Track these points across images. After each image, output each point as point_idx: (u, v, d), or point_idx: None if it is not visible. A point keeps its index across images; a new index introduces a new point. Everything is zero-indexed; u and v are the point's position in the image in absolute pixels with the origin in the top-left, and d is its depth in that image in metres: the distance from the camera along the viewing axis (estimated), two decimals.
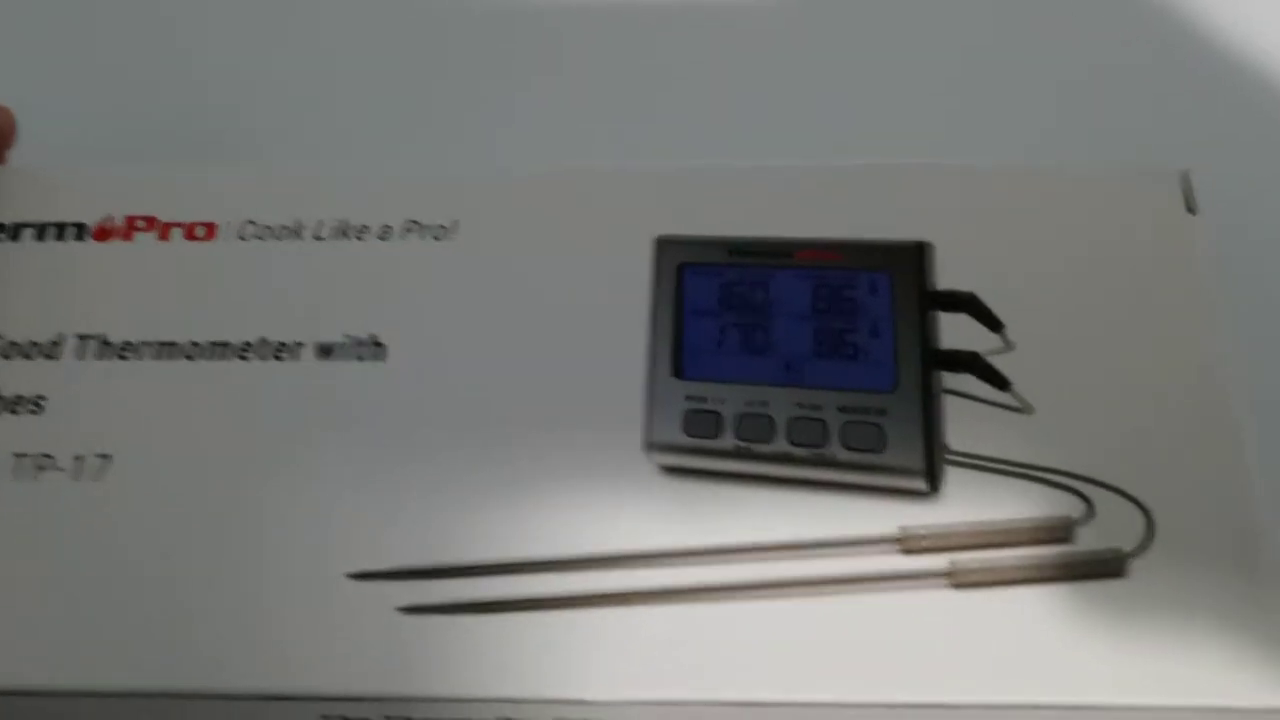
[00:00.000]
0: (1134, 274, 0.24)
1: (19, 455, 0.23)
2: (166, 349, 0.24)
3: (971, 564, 0.21)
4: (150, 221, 0.25)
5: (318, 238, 0.25)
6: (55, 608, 0.21)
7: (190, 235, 0.25)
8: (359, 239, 0.25)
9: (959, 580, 0.21)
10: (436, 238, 0.25)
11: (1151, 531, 0.22)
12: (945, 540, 0.22)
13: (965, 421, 0.23)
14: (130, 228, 0.25)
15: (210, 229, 0.25)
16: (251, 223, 0.25)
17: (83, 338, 0.24)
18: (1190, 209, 0.25)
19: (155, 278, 0.25)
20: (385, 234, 0.25)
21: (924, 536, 0.22)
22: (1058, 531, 0.22)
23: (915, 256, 0.24)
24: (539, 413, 0.23)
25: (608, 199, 0.25)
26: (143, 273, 0.25)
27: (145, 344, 0.24)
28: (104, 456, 0.23)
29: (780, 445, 0.23)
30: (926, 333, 0.24)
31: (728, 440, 0.23)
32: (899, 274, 0.24)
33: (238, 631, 0.21)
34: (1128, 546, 0.22)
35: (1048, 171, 0.25)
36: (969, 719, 0.21)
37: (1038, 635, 0.21)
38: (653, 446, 0.23)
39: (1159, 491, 0.22)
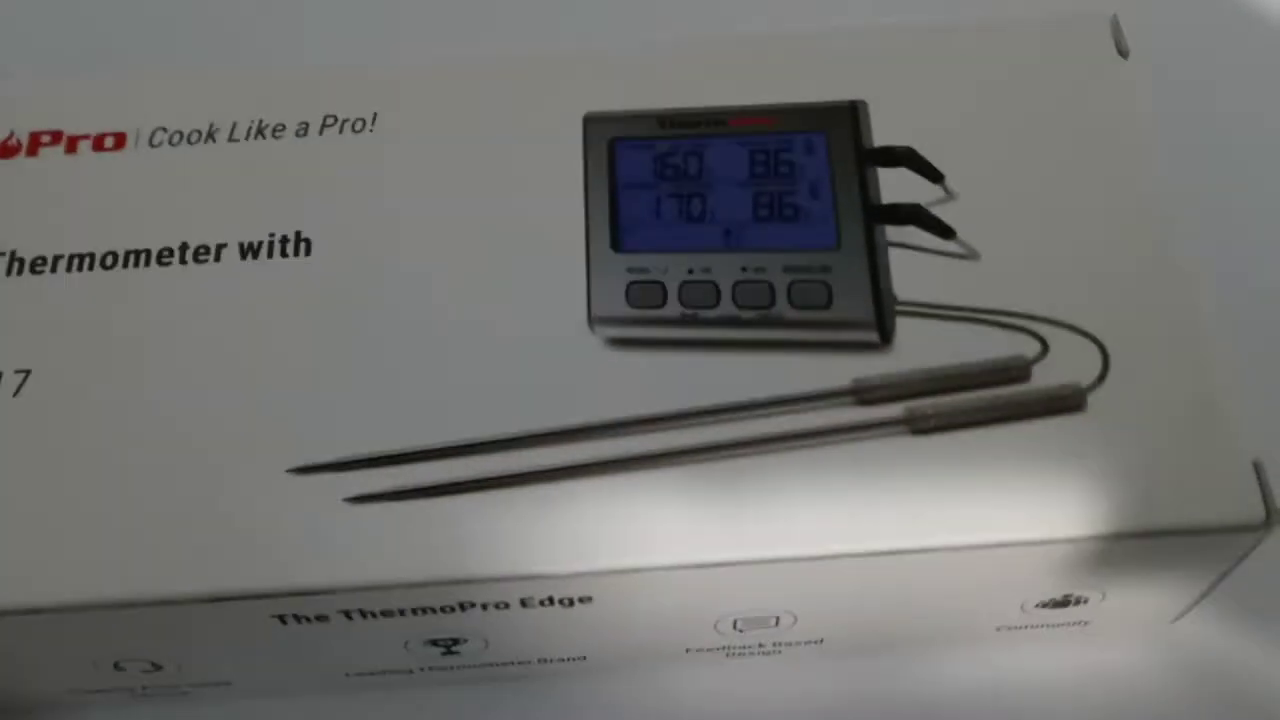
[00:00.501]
0: (1070, 118, 0.24)
1: None
2: (80, 260, 0.23)
3: (928, 409, 0.21)
4: (56, 136, 0.24)
5: (233, 140, 0.24)
6: None
7: (99, 146, 0.24)
8: (276, 138, 0.24)
9: (917, 426, 0.21)
10: (356, 130, 0.24)
11: (1107, 364, 0.21)
12: (900, 388, 0.21)
13: (912, 273, 0.22)
14: (35, 144, 0.24)
15: (120, 139, 0.24)
16: (163, 129, 0.24)
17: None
18: (1121, 53, 0.24)
19: (65, 193, 0.24)
20: (303, 131, 0.24)
21: (878, 386, 0.21)
22: (1014, 372, 0.21)
23: (849, 115, 0.24)
24: (476, 297, 0.22)
25: (531, 82, 0.24)
26: (52, 189, 0.24)
27: (59, 257, 0.23)
28: (22, 372, 0.22)
29: (726, 309, 0.22)
30: (866, 189, 0.23)
31: (673, 308, 0.22)
32: (834, 133, 0.24)
33: (181, 536, 0.20)
34: (1084, 382, 0.21)
35: (978, 25, 0.25)
36: (937, 563, 0.20)
37: (1000, 475, 0.20)
38: (596, 320, 0.22)
39: (1111, 325, 0.22)
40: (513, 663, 0.24)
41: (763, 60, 0.24)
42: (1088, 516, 0.20)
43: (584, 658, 0.24)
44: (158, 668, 0.22)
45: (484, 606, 0.21)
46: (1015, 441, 0.21)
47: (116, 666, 0.22)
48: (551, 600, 0.21)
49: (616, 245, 0.23)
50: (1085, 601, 0.22)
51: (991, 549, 0.20)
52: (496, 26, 0.32)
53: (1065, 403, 0.21)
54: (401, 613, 0.21)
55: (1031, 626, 0.24)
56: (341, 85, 0.24)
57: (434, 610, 0.21)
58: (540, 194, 0.23)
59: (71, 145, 0.24)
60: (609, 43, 0.25)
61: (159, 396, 0.21)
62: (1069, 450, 0.21)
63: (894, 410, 0.21)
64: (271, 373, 0.22)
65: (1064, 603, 0.23)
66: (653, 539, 0.20)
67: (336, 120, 0.24)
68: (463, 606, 0.21)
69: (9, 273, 0.23)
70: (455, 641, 0.22)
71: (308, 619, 0.21)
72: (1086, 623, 0.24)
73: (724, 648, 0.24)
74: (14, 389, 0.22)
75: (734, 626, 0.23)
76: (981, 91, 0.24)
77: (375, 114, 0.24)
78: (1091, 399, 0.21)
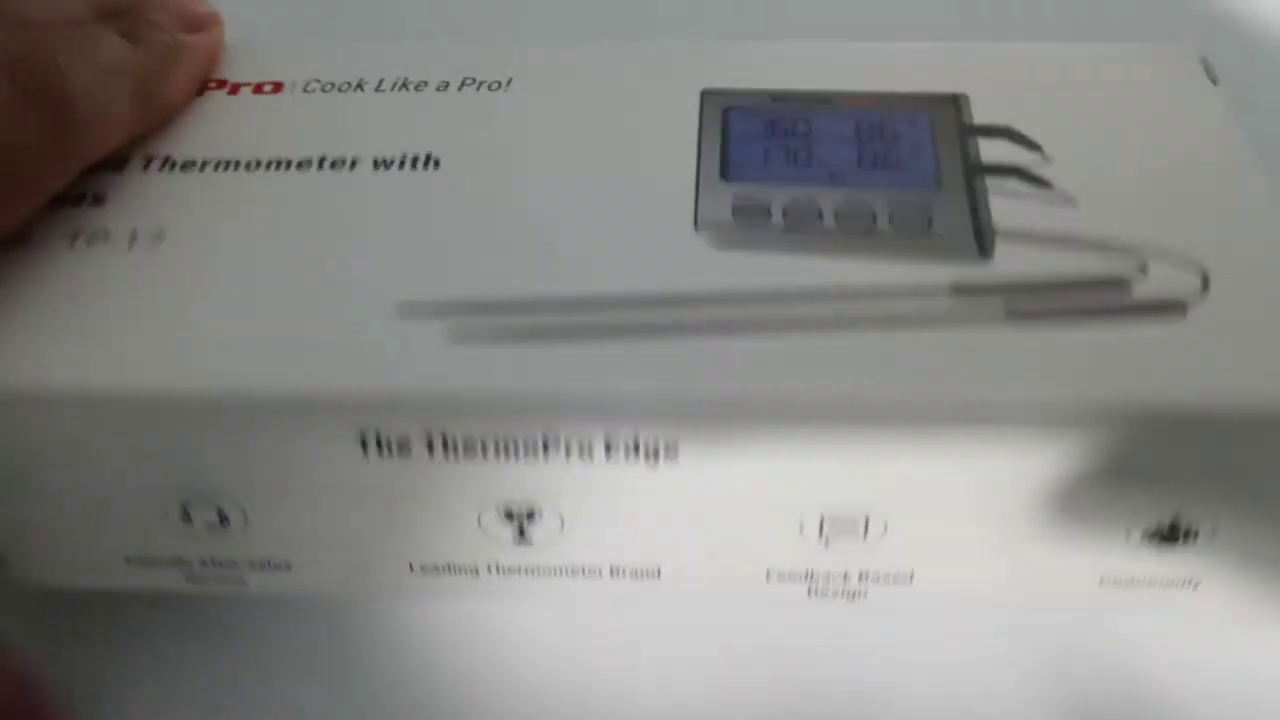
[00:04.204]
0: (1166, 123, 0.25)
1: (76, 235, 0.23)
2: (225, 163, 0.24)
3: (1026, 296, 0.21)
4: (220, 83, 0.27)
5: (379, 90, 0.26)
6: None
7: (258, 90, 0.26)
8: (417, 91, 0.26)
9: (1014, 310, 0.21)
10: (491, 89, 0.26)
11: (1206, 283, 0.21)
12: (999, 285, 0.22)
13: (1010, 213, 0.23)
14: (202, 88, 0.27)
15: (278, 86, 0.27)
16: (316, 80, 0.27)
17: (148, 158, 0.25)
18: (1212, 80, 0.26)
19: (221, 119, 0.26)
20: (443, 87, 0.26)
21: (979, 284, 0.22)
22: (1114, 283, 0.22)
23: (952, 102, 0.25)
24: (589, 208, 0.23)
25: (655, 66, 0.26)
26: (210, 116, 0.26)
27: (206, 160, 0.25)
28: (158, 235, 0.23)
29: (829, 226, 0.23)
30: (966, 149, 0.24)
31: (776, 222, 0.23)
32: (937, 113, 0.25)
33: (281, 350, 0.21)
34: (1185, 297, 0.21)
35: (1072, 48, 0.27)
36: (1032, 441, 0.20)
37: (1097, 367, 0.20)
38: (702, 225, 0.23)
39: (1211, 254, 0.22)
40: (583, 570, 0.23)
41: (862, 71, 0.26)
42: (1181, 392, 0.20)
43: (658, 571, 0.23)
44: (224, 521, 0.22)
45: (567, 450, 0.20)
46: (1113, 341, 0.21)
47: (185, 516, 0.22)
48: (636, 448, 0.20)
49: (725, 174, 0.24)
50: (1195, 536, 0.21)
51: (1082, 423, 0.20)
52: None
53: (1165, 311, 0.21)
54: (484, 450, 0.21)
55: (1137, 584, 0.22)
56: (483, 56, 0.27)
57: (516, 450, 0.20)
58: (656, 155, 0.24)
59: (234, 89, 0.27)
60: (726, 42, 0.27)
61: (284, 245, 0.22)
62: (1169, 349, 0.20)
63: (993, 302, 0.21)
64: (390, 245, 0.22)
65: (1172, 536, 0.21)
66: (745, 395, 0.20)
67: (474, 81, 0.26)
68: (546, 447, 0.20)
69: (162, 169, 0.24)
70: (530, 517, 0.22)
71: (389, 446, 0.20)
72: (1196, 584, 0.22)
73: (807, 575, 0.22)
74: (149, 244, 0.23)
75: (820, 532, 0.22)
76: (1077, 105, 0.25)
77: (510, 79, 0.26)
78: (1192, 312, 0.21)
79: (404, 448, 0.21)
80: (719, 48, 0.27)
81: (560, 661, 0.24)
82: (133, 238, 0.23)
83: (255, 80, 0.27)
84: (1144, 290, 0.21)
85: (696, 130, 0.25)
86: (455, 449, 0.21)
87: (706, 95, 0.26)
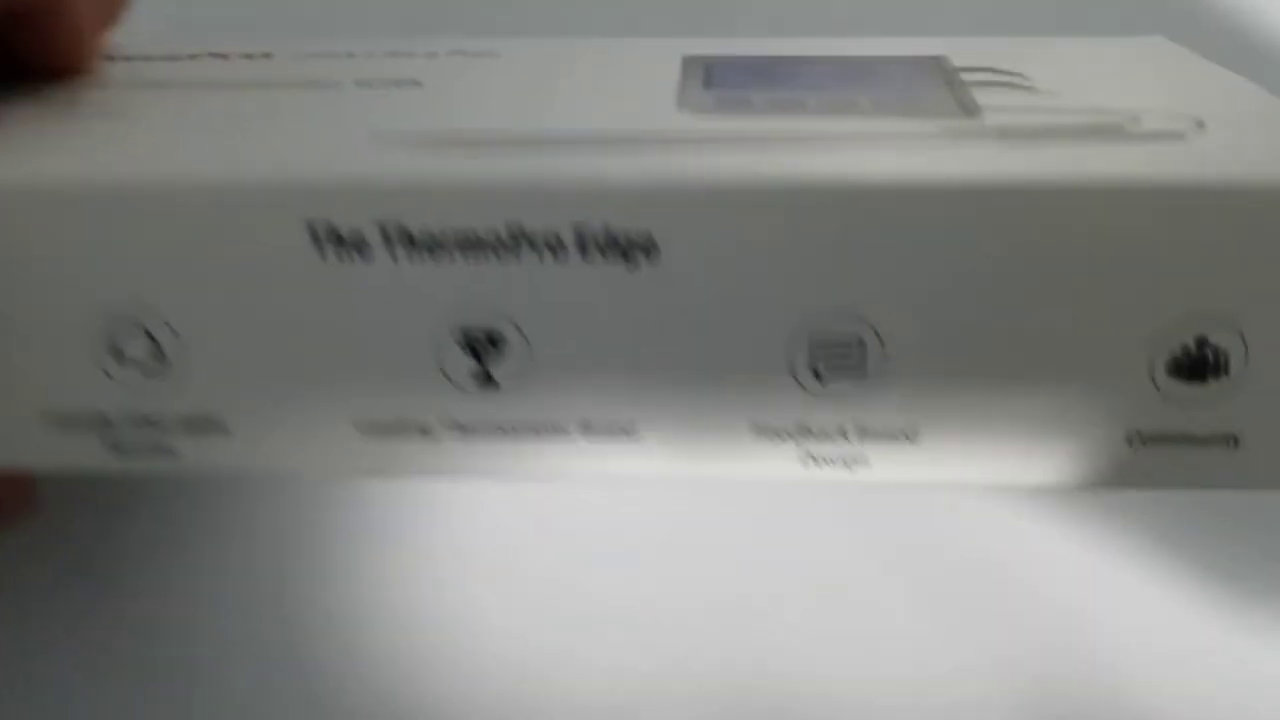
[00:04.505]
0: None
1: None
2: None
3: (1023, 135, 0.21)
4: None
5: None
6: None
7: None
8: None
9: (1007, 134, 0.20)
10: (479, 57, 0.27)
11: (1201, 125, 0.21)
12: (991, 129, 0.21)
13: (996, 101, 0.23)
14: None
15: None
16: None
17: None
18: None
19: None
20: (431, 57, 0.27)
21: (970, 129, 0.21)
22: (1109, 129, 0.21)
23: (935, 60, 0.26)
24: (581, 94, 0.23)
25: (639, 41, 0.27)
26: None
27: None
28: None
29: (812, 110, 0.23)
30: (948, 76, 0.24)
31: (759, 108, 0.23)
32: (920, 64, 0.25)
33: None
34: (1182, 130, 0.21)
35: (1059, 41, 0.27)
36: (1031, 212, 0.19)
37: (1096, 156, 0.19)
38: (683, 105, 0.22)
39: (1203, 110, 0.21)
40: (551, 427, 0.20)
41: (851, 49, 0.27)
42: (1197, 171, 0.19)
43: (633, 427, 0.20)
44: (159, 357, 0.20)
45: (534, 246, 0.19)
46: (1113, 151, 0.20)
47: (114, 352, 0.20)
48: (614, 244, 0.19)
49: (707, 84, 0.24)
50: (1225, 364, 0.19)
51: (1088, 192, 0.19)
52: None
53: (1164, 136, 0.20)
54: (447, 248, 0.19)
55: (1170, 441, 0.20)
56: (469, 38, 0.27)
57: (481, 249, 0.19)
58: (639, 87, 0.24)
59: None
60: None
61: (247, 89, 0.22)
62: (1170, 156, 0.20)
63: (986, 134, 0.21)
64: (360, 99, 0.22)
65: (1199, 365, 0.19)
66: (728, 180, 0.19)
67: (462, 52, 0.27)
68: (514, 242, 0.19)
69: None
70: (495, 344, 0.20)
71: (345, 244, 0.19)
72: (1236, 440, 0.20)
73: (799, 431, 0.20)
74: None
75: (812, 366, 0.20)
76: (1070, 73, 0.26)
77: (496, 51, 0.27)
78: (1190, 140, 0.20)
79: (362, 246, 0.19)
80: (700, 40, 0.27)
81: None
82: None
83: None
84: (1139, 130, 0.21)
85: (679, 70, 0.25)
86: (415, 247, 0.19)
87: (688, 59, 0.26)
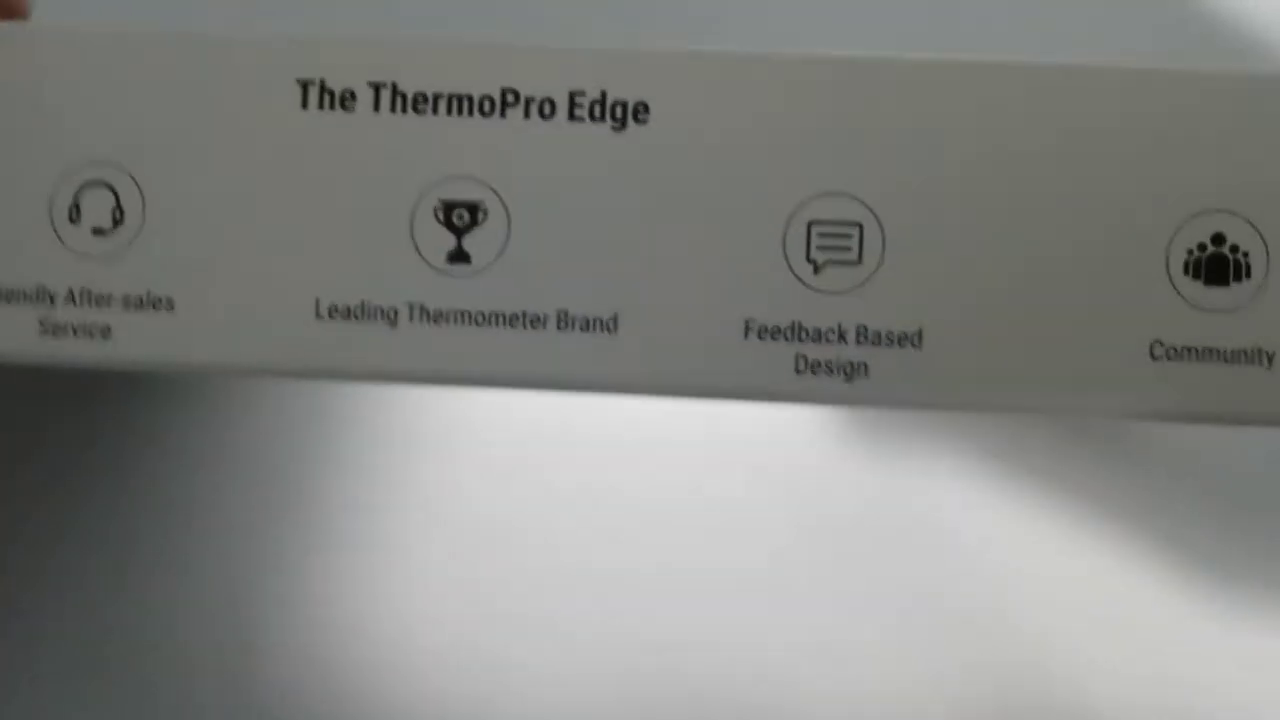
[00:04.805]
0: None
1: None
2: None
3: None
4: None
5: None
6: None
7: None
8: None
9: None
10: None
11: None
12: None
13: None
14: None
15: None
16: None
17: None
18: None
19: None
20: None
21: None
22: None
23: None
24: None
25: None
26: None
27: None
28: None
29: None
30: None
31: None
32: None
33: None
34: None
35: None
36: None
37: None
38: None
39: None
40: (525, 316, 0.19)
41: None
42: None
43: (615, 321, 0.19)
44: (118, 220, 0.19)
45: (526, 107, 0.19)
46: None
47: (73, 212, 0.19)
48: (604, 108, 0.19)
49: None
50: (1245, 265, 0.18)
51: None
52: None
53: None
54: (435, 105, 0.19)
55: (1196, 356, 0.18)
56: None
57: (471, 108, 0.19)
58: None
59: None
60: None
61: None
62: None
63: None
64: None
65: (1219, 264, 0.18)
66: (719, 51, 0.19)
67: None
68: (504, 102, 0.19)
69: None
70: (474, 218, 0.19)
71: (332, 96, 0.19)
72: (1270, 357, 0.18)
73: (794, 330, 0.19)
74: None
75: (807, 250, 0.19)
76: None
77: None
78: None
79: (347, 99, 0.19)
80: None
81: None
82: None
83: None
84: None
85: None
86: (404, 103, 0.19)
87: None
